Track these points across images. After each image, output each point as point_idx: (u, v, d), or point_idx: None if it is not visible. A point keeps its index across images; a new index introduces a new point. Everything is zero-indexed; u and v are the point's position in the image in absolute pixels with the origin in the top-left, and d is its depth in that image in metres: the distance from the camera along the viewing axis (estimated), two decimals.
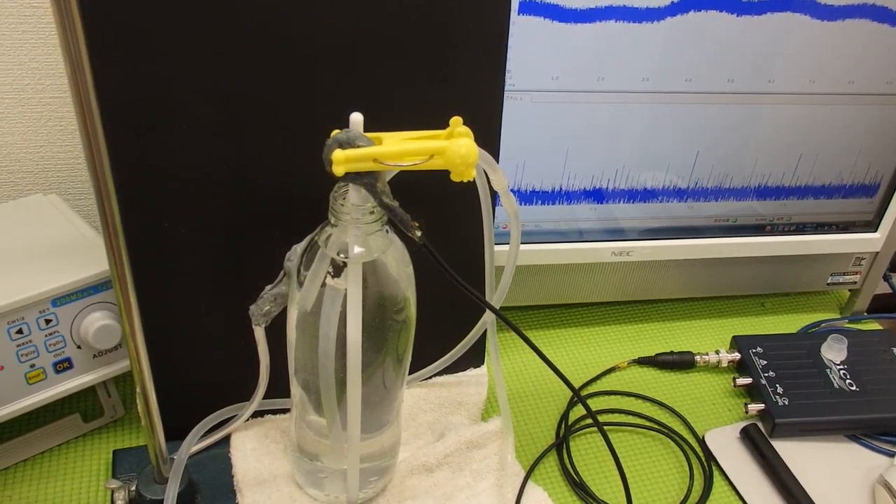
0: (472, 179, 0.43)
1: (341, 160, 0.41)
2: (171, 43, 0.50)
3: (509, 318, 0.48)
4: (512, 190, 0.70)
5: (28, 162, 0.75)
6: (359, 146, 0.42)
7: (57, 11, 0.36)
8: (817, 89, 0.70)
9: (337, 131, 0.43)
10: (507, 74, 0.61)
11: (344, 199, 0.46)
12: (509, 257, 0.56)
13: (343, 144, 0.42)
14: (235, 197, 0.56)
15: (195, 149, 0.53)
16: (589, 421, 0.69)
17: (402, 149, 0.42)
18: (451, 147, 0.42)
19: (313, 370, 0.49)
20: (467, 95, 0.58)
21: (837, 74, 0.70)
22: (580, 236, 0.74)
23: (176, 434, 0.58)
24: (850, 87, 0.71)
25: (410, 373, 0.67)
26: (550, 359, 0.51)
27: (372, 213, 0.46)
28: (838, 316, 0.87)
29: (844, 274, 0.85)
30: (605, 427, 0.70)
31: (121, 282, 0.45)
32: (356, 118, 0.43)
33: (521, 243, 0.71)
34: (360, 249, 0.47)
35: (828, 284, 0.86)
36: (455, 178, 0.43)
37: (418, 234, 0.45)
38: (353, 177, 0.43)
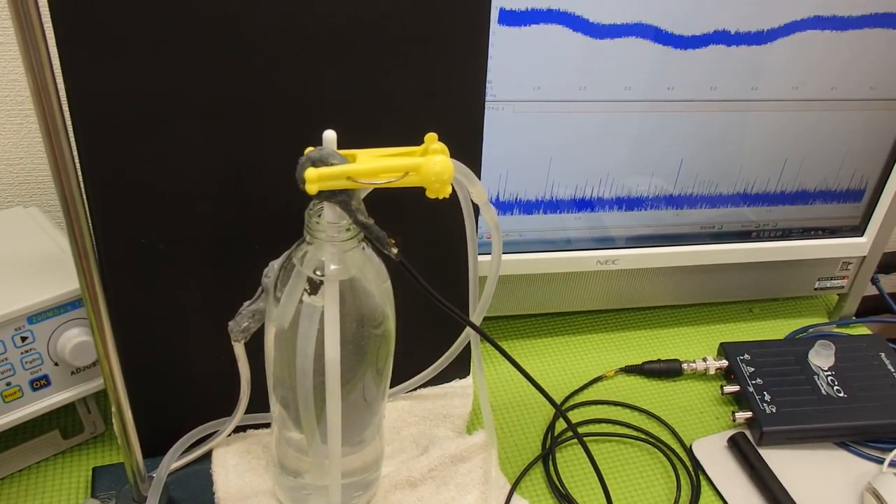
0: (448, 196, 0.43)
1: (314, 178, 0.41)
2: (151, 52, 0.49)
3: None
4: (496, 200, 0.70)
5: (8, 174, 0.75)
6: (332, 164, 0.41)
7: (17, 21, 0.36)
8: (801, 96, 0.70)
9: (310, 149, 0.42)
10: (488, 85, 0.60)
11: (319, 216, 0.45)
12: (491, 269, 0.56)
13: (316, 162, 0.41)
14: (215, 211, 0.55)
15: (175, 162, 0.53)
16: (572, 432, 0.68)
17: (376, 166, 0.42)
18: (425, 164, 0.41)
19: (292, 386, 0.49)
20: (448, 106, 0.57)
21: (820, 81, 0.70)
22: (565, 245, 0.74)
23: (157, 450, 0.58)
24: (834, 93, 0.71)
25: (395, 385, 0.66)
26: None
27: (348, 230, 0.45)
28: (827, 320, 0.87)
29: (832, 279, 0.85)
30: (592, 437, 0.69)
31: (91, 299, 0.45)
32: (329, 135, 0.43)
33: (506, 253, 0.71)
34: (336, 267, 0.46)
35: (815, 289, 0.86)
36: (431, 194, 0.42)
37: (394, 251, 0.44)
38: (327, 195, 0.42)
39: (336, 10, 0.51)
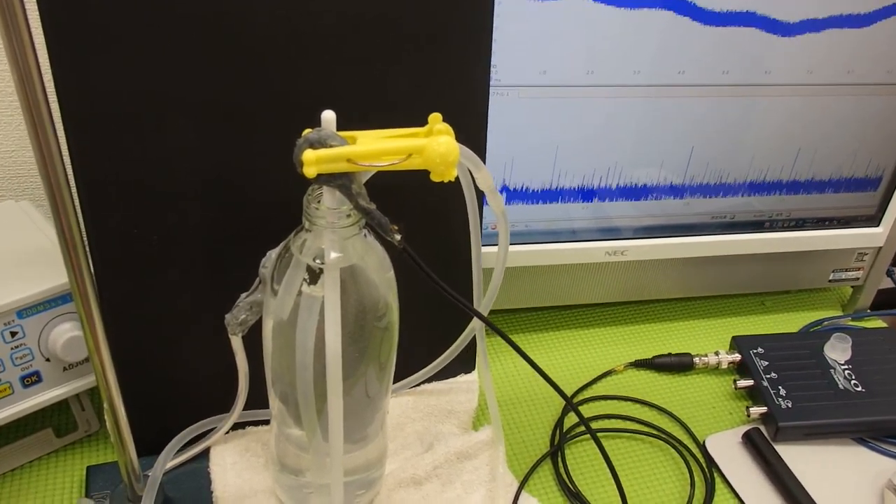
0: (453, 179, 0.41)
1: (312, 161, 0.39)
2: (142, 49, 0.48)
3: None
4: (501, 189, 0.68)
5: None
6: (331, 146, 0.40)
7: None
8: (815, 80, 0.68)
9: (308, 130, 0.41)
10: (492, 69, 0.58)
11: (318, 202, 0.43)
12: (498, 259, 0.54)
13: (314, 144, 0.39)
14: (210, 203, 0.54)
15: (167, 159, 0.51)
16: (585, 427, 0.66)
17: (378, 148, 0.40)
18: (429, 145, 0.39)
19: (291, 381, 0.47)
20: (451, 91, 0.55)
21: (835, 64, 0.68)
22: (573, 236, 0.72)
23: (152, 448, 0.57)
24: (849, 77, 0.69)
25: (398, 380, 0.65)
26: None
27: (348, 216, 0.44)
28: (841, 313, 0.85)
29: (847, 270, 0.83)
30: (602, 434, 0.67)
31: (81, 291, 0.43)
32: (328, 116, 0.41)
33: (512, 244, 0.69)
34: (336, 255, 0.44)
35: (830, 281, 0.84)
36: (435, 178, 0.40)
37: (398, 237, 0.42)
38: (327, 178, 0.40)
39: None
